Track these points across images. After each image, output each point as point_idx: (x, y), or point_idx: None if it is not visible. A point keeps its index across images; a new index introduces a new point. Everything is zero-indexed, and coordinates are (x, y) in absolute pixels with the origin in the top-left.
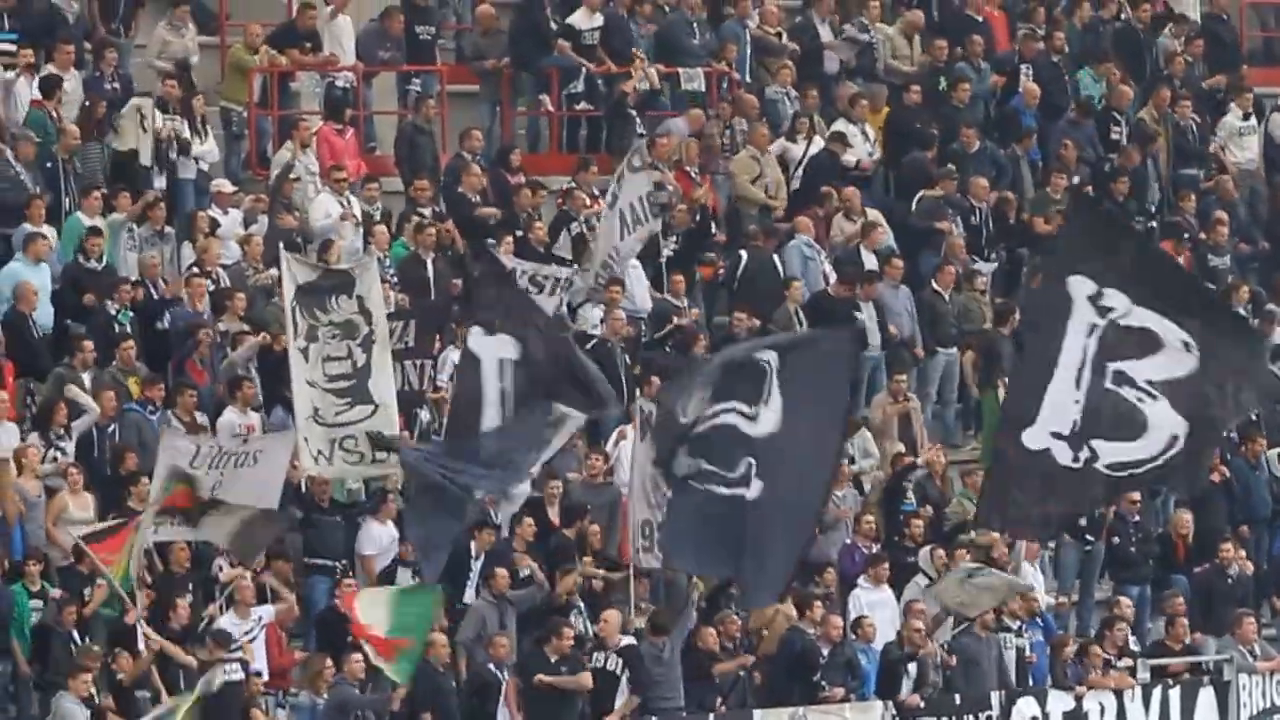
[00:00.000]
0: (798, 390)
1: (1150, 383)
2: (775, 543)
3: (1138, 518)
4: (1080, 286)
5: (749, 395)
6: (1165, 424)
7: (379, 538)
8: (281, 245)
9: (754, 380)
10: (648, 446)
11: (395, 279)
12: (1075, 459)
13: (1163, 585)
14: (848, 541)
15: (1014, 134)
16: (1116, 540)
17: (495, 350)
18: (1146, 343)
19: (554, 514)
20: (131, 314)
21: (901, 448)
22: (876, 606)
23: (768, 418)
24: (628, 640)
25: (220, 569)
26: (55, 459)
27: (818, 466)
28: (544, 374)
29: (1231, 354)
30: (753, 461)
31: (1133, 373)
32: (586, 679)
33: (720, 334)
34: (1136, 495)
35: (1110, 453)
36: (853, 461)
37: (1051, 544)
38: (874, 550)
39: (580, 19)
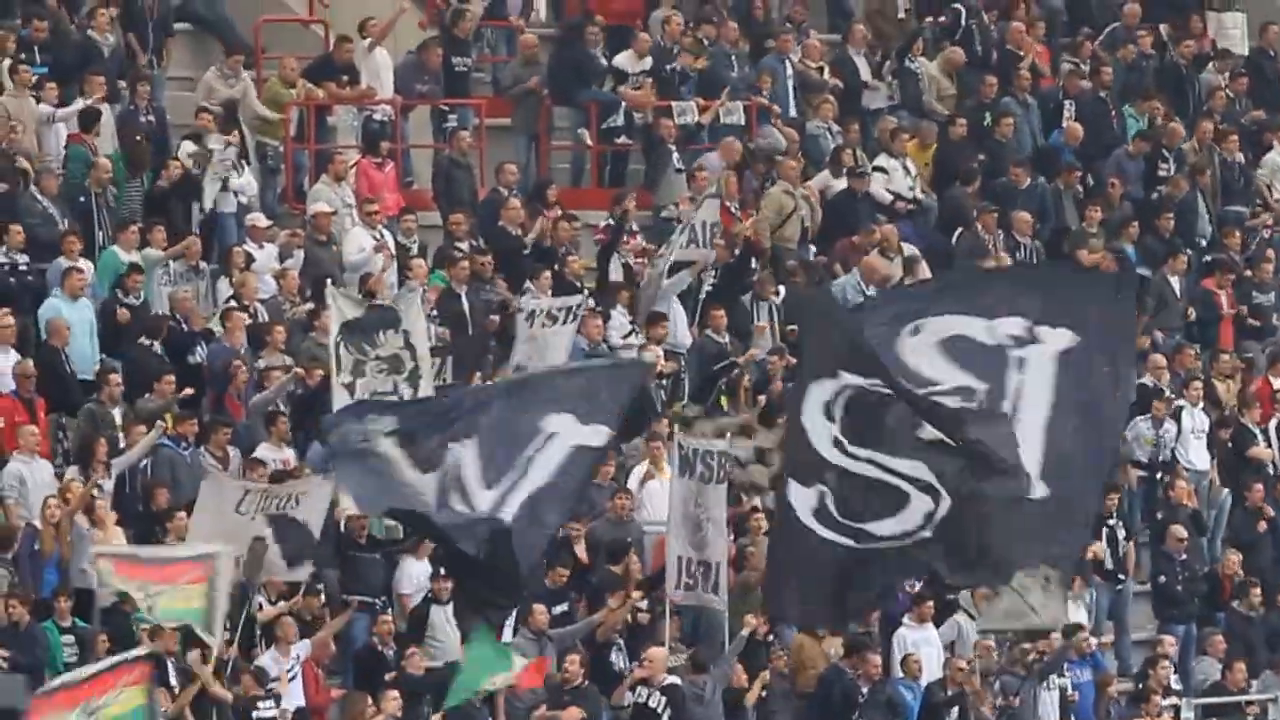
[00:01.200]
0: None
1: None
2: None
3: (1184, 556)
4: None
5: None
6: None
7: (416, 576)
8: (330, 281)
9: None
10: (689, 483)
11: (434, 313)
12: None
13: (1210, 625)
14: None
15: (1055, 170)
16: (1163, 579)
17: None
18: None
19: (581, 551)
20: (165, 348)
21: None
22: (921, 644)
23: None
24: (672, 679)
25: (260, 607)
26: (93, 495)
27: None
28: None
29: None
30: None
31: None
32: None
33: (759, 372)
34: (1183, 534)
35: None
36: None
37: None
38: (917, 588)
39: (627, 61)
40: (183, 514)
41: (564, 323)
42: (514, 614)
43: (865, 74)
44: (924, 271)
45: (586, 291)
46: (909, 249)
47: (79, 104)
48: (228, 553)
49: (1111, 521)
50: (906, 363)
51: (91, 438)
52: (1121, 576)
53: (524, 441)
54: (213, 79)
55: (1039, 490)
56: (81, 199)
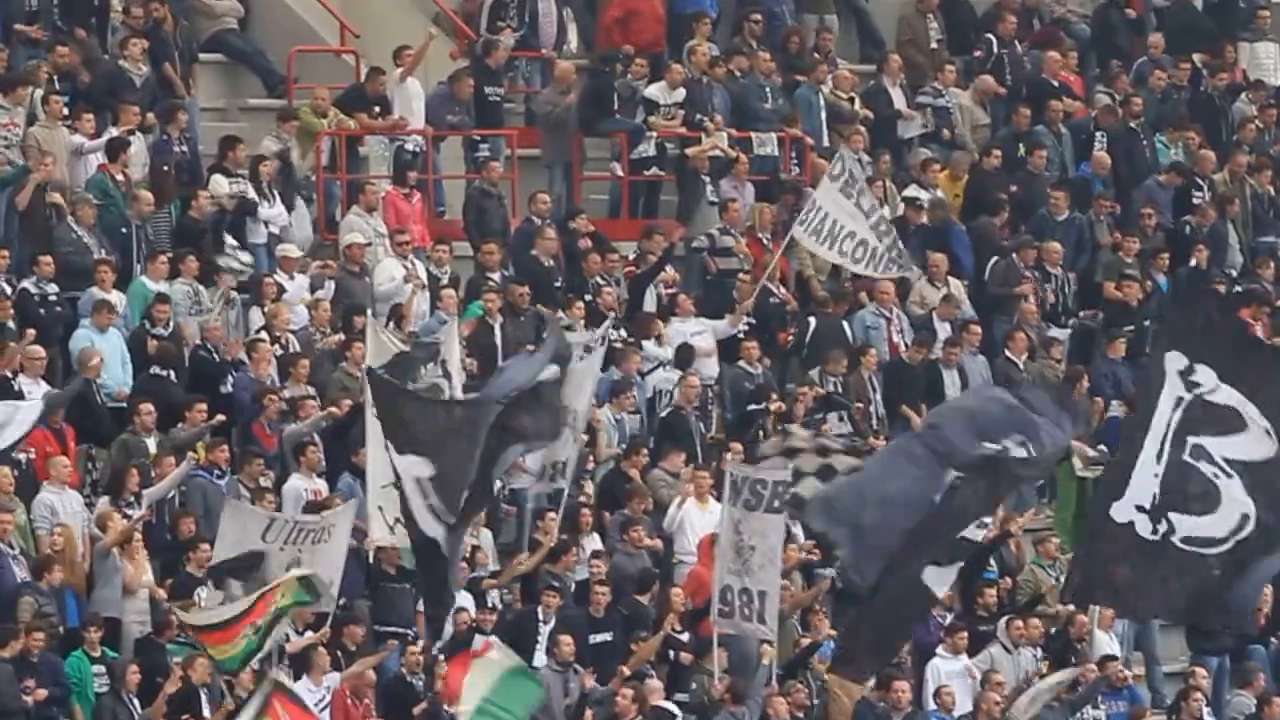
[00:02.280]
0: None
1: (1227, 460)
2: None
3: None
4: (1174, 361)
5: None
6: (1237, 502)
7: None
8: (370, 313)
9: None
10: (739, 511)
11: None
12: (1154, 531)
13: (1242, 657)
14: None
15: (1085, 200)
16: None
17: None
18: (1229, 421)
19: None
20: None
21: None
22: (955, 676)
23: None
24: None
25: (287, 639)
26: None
27: None
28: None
29: None
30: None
31: (1211, 448)
32: None
33: (791, 401)
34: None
35: (1186, 527)
36: None
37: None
38: (950, 619)
39: (659, 93)
40: (207, 545)
41: (593, 352)
42: (545, 640)
43: (899, 104)
44: (956, 312)
45: (612, 316)
46: (954, 284)
47: (111, 133)
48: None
49: None
50: None
51: (123, 468)
52: None
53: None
54: (269, 144)
55: None
56: (123, 229)
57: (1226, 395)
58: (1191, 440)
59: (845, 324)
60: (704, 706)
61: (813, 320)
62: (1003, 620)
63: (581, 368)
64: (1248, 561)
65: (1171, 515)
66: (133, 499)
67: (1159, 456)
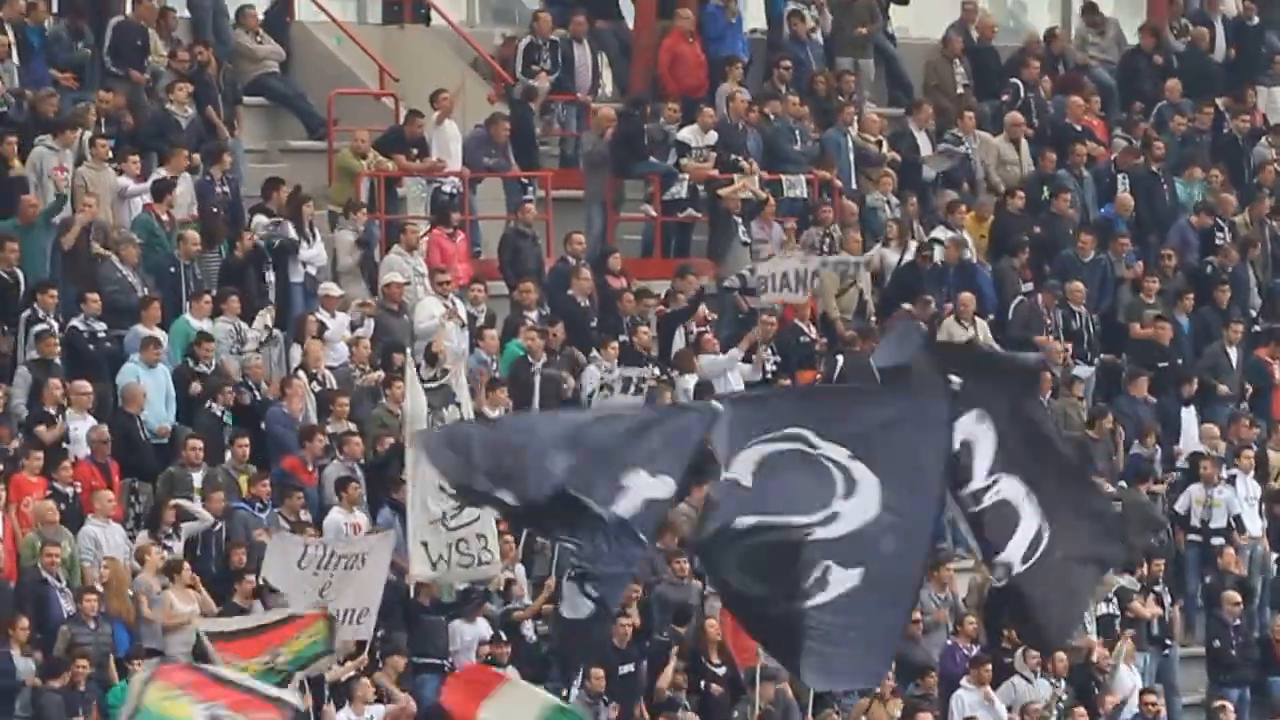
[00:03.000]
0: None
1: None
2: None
3: (1238, 621)
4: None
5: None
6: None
7: (462, 634)
8: (408, 352)
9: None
10: None
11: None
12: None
13: (1262, 688)
14: (949, 643)
15: (1108, 241)
16: (1217, 644)
17: None
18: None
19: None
20: (234, 415)
21: None
22: (979, 708)
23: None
24: None
25: (329, 667)
26: (163, 558)
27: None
28: None
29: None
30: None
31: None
32: None
33: None
34: (1237, 598)
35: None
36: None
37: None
38: (975, 651)
39: (692, 135)
40: (251, 577)
41: (630, 394)
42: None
43: (925, 148)
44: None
45: (653, 366)
46: (981, 325)
47: (157, 174)
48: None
49: (1158, 587)
50: None
51: (162, 502)
52: (1169, 641)
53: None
54: (346, 235)
55: None
56: (171, 269)
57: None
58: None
59: (872, 362)
60: None
61: (840, 359)
62: (1019, 650)
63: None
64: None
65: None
66: (171, 532)
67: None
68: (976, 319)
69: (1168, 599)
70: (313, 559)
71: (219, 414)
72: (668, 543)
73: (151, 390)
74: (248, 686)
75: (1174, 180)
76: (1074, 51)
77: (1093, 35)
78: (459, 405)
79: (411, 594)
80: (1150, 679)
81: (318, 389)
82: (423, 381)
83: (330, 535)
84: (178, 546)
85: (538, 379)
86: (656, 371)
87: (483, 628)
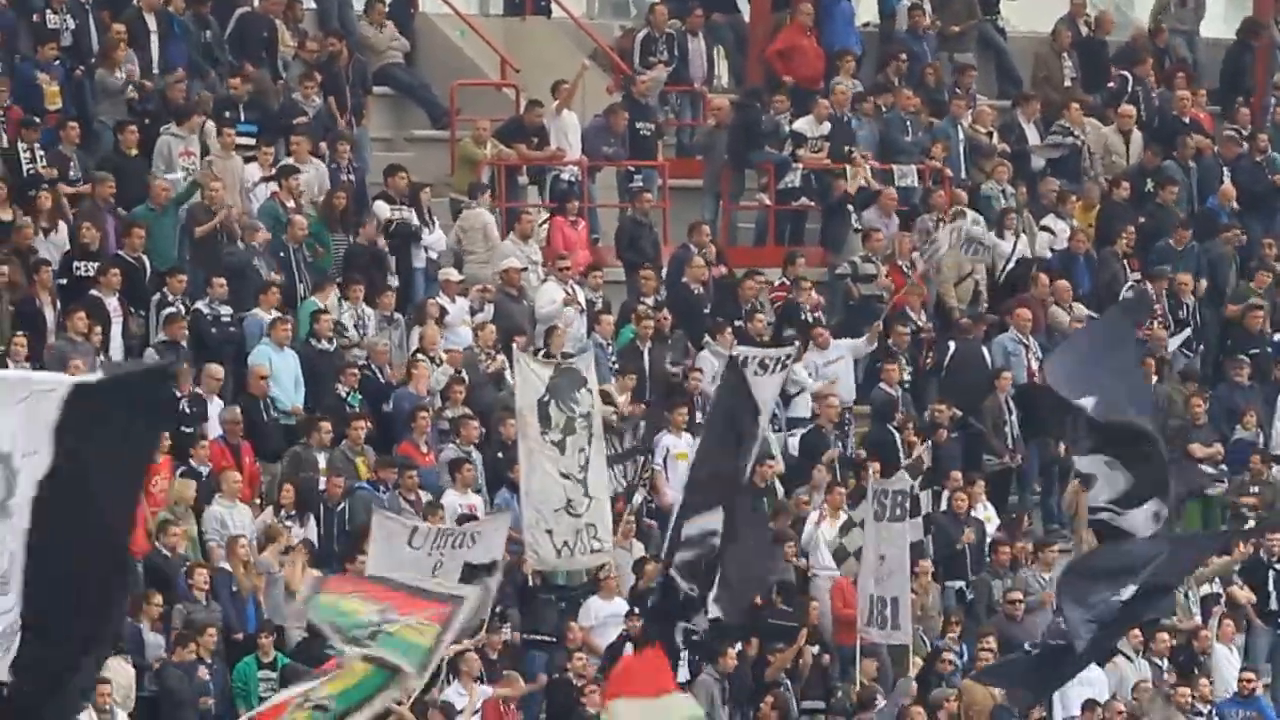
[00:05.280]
0: None
1: None
2: None
3: None
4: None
5: None
6: None
7: (598, 610)
8: (515, 345)
9: None
10: (879, 523)
11: (615, 367)
12: None
13: None
14: (1053, 623)
15: (1214, 232)
16: None
17: None
18: None
19: None
20: (360, 396)
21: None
22: (1085, 684)
23: None
24: None
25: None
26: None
27: None
28: None
29: None
30: None
31: None
32: None
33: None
34: None
35: None
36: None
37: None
38: None
39: (807, 126)
40: (362, 556)
41: (773, 373)
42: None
43: (1032, 139)
44: None
45: (797, 345)
46: (1078, 309)
47: (284, 162)
48: (473, 599)
49: (1279, 565)
50: None
51: (292, 481)
52: None
53: None
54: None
55: None
56: (281, 254)
57: None
58: None
59: (985, 349)
60: (845, 715)
61: (952, 344)
62: None
63: (760, 386)
64: None
65: None
66: (294, 512)
67: None
68: (1074, 306)
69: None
70: (423, 537)
71: (344, 395)
72: (780, 525)
73: (283, 372)
74: (414, 587)
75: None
76: (1180, 45)
77: (1175, 6)
78: (590, 390)
79: (530, 582)
80: (1261, 658)
81: (448, 373)
82: (552, 363)
83: (448, 515)
84: (299, 528)
85: (648, 363)
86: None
87: (619, 604)
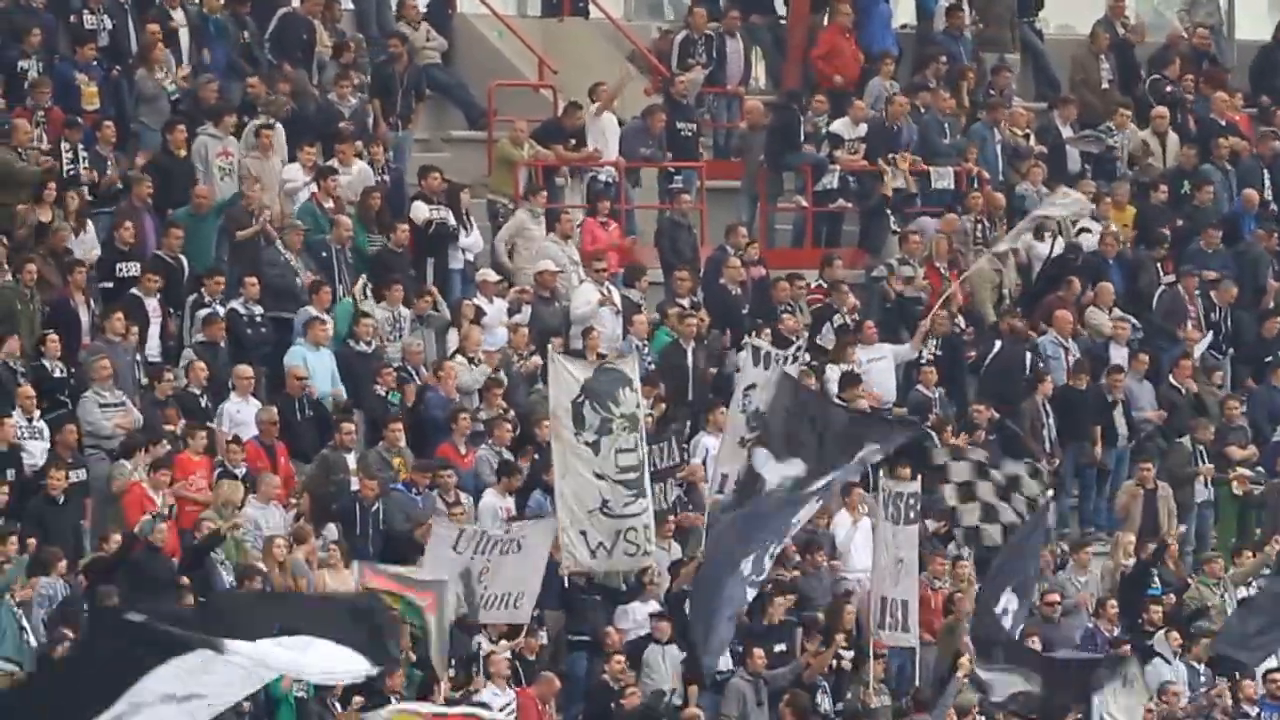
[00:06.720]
0: None
1: None
2: None
3: None
4: None
5: None
6: None
7: (634, 613)
8: (551, 346)
9: None
10: (890, 526)
11: (652, 366)
12: None
13: None
14: (1090, 625)
15: (1239, 235)
16: None
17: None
18: None
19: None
20: (400, 395)
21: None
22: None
23: None
24: None
25: (479, 645)
26: (322, 538)
27: None
28: None
29: None
30: None
31: None
32: None
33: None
34: None
35: None
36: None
37: None
38: (1115, 634)
39: (843, 127)
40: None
41: (792, 361)
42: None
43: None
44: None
45: (806, 335)
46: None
47: (323, 164)
48: (451, 586)
49: None
50: None
51: (319, 483)
52: None
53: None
54: (524, 217)
55: None
56: (323, 254)
57: None
58: None
59: (1027, 352)
60: (858, 715)
61: (997, 344)
62: (1161, 632)
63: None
64: None
65: None
66: (312, 522)
67: None
68: (1114, 309)
69: None
70: (469, 541)
71: (383, 394)
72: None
73: (319, 370)
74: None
75: None
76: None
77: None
78: (635, 390)
79: (566, 584)
80: None
81: (485, 374)
82: (592, 364)
83: (486, 516)
84: (331, 528)
85: (691, 364)
86: (803, 354)
87: (653, 604)
